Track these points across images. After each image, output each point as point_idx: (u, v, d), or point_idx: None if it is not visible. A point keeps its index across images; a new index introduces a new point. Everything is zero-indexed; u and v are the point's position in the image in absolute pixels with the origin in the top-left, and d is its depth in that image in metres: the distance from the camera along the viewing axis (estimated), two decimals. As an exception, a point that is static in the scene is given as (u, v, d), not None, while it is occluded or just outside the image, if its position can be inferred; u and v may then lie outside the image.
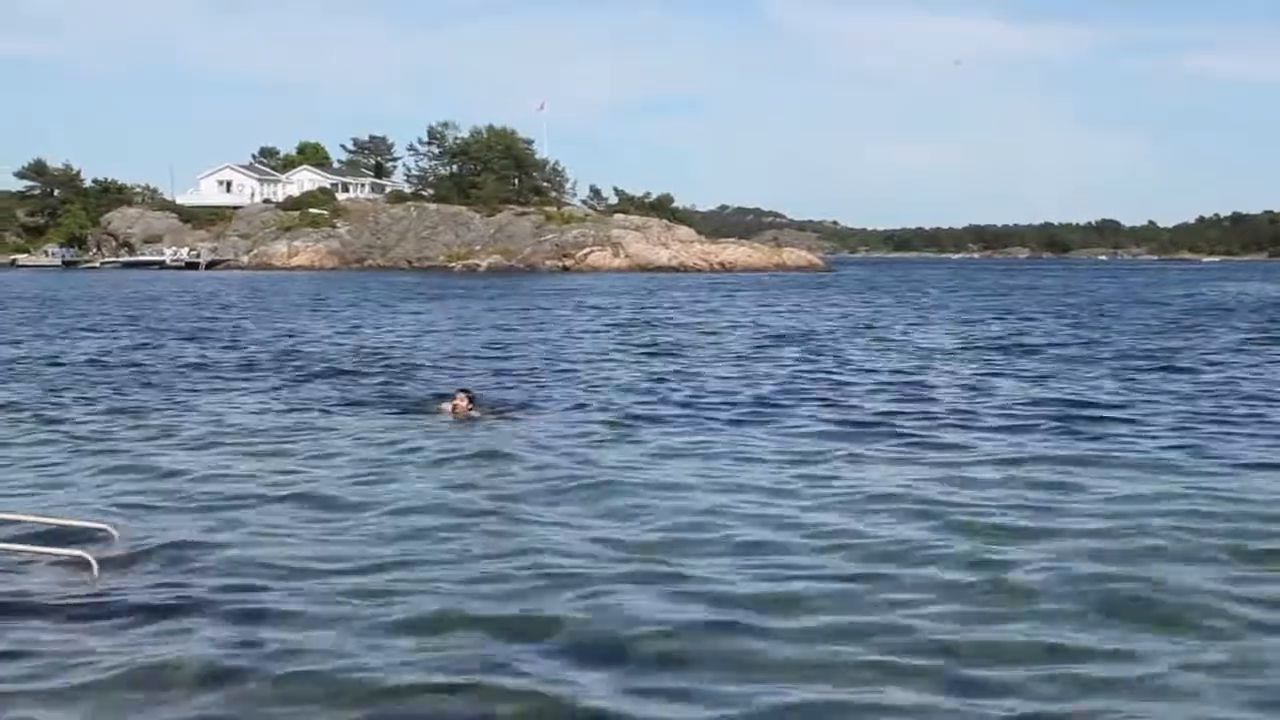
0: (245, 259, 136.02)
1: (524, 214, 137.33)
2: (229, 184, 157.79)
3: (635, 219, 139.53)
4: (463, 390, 20.23)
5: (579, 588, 9.92)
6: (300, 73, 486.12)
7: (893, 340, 38.62)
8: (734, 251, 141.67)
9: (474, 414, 19.33)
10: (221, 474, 14.94)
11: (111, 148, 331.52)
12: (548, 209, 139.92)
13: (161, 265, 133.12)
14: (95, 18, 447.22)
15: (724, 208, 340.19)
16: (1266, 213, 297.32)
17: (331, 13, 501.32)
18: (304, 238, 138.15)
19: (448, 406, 19.71)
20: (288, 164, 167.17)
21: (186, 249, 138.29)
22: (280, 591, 9.97)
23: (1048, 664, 8.34)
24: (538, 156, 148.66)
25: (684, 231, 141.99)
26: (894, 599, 9.75)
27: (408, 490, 13.78)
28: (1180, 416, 20.28)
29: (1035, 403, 22.02)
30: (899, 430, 18.60)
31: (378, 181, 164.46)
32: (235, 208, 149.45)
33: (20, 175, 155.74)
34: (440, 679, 8.04)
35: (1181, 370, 28.30)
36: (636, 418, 19.92)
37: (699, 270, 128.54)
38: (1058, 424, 19.24)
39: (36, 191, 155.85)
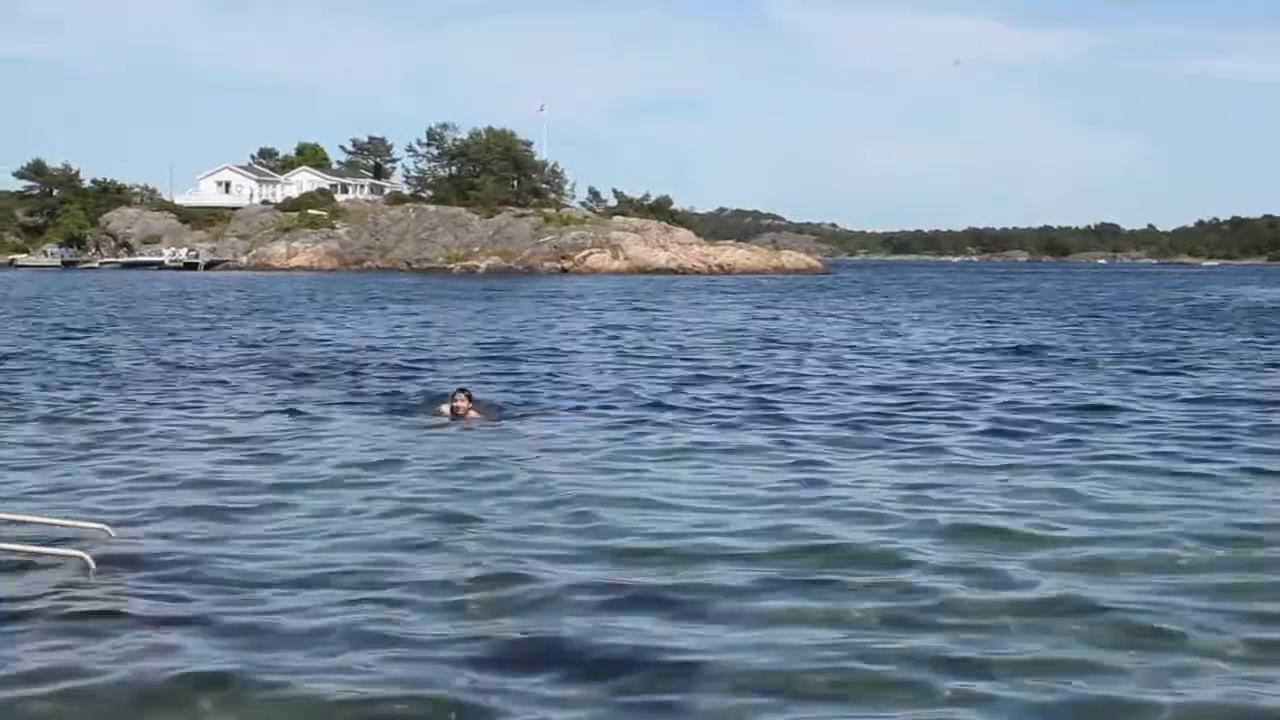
0: (244, 260, 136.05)
1: (523, 216, 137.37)
2: (228, 185, 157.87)
3: (634, 221, 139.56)
4: (461, 390, 20.19)
5: (576, 597, 9.85)
6: (299, 73, 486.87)
7: (892, 343, 38.60)
8: (732, 254, 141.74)
9: (473, 414, 19.31)
10: (218, 476, 14.90)
11: (110, 148, 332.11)
12: (546, 211, 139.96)
13: (160, 266, 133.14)
14: (94, 18, 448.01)
15: (723, 210, 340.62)
16: (1266, 216, 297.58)
17: (330, 13, 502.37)
18: (303, 239, 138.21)
19: (446, 407, 19.66)
20: (287, 165, 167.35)
21: (185, 250, 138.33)
22: (276, 595, 9.95)
23: (1045, 678, 8.30)
24: (537, 158, 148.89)
25: (682, 234, 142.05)
26: (887, 607, 9.72)
27: (406, 494, 13.67)
28: (1180, 422, 20.29)
29: (1031, 407, 22.01)
30: (898, 433, 18.59)
31: (376, 183, 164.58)
32: (234, 208, 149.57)
33: (19, 175, 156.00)
34: (436, 692, 8.01)
35: (1179, 374, 28.30)
36: (636, 420, 19.89)
37: (698, 272, 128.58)
38: (1053, 427, 19.23)
39: (35, 191, 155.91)
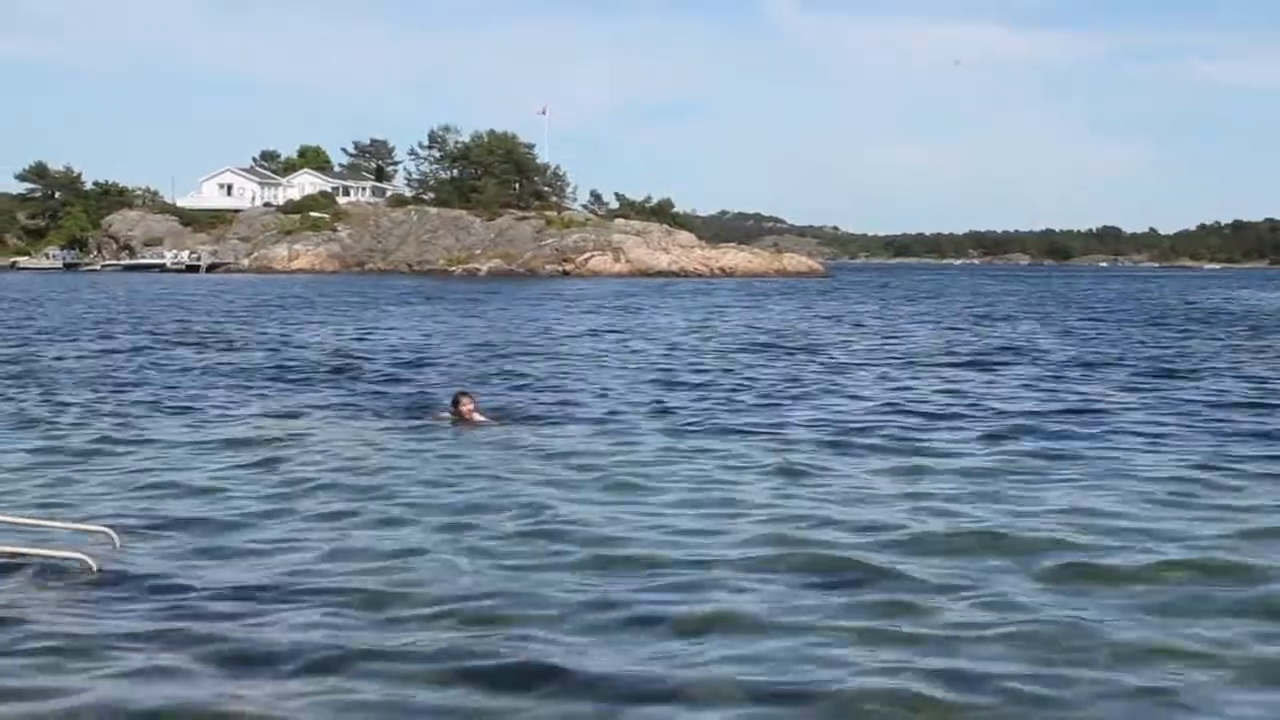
0: (245, 262, 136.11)
1: (524, 218, 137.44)
2: (230, 187, 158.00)
3: (635, 224, 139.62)
4: (465, 394, 20.13)
5: (576, 607, 9.80)
6: (301, 76, 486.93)
7: (891, 345, 38.59)
8: (734, 257, 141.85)
9: (477, 417, 19.26)
10: (222, 479, 14.88)
11: (112, 150, 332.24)
12: (548, 213, 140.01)
13: (162, 268, 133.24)
14: (95, 20, 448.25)
15: (724, 213, 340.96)
16: (1268, 220, 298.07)
17: (332, 16, 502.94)
18: (304, 241, 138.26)
19: (448, 412, 19.59)
20: (288, 167, 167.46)
21: (187, 252, 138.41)
22: (280, 597, 9.92)
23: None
24: (538, 161, 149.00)
25: (684, 236, 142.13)
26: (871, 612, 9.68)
27: (410, 501, 13.55)
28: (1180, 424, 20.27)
29: (1027, 410, 21.98)
30: (895, 438, 18.54)
31: (378, 185, 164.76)
32: (236, 211, 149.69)
33: (21, 178, 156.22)
34: (431, 696, 8.01)
35: (1178, 377, 28.28)
36: (636, 424, 19.85)
37: (699, 275, 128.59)
38: (1049, 430, 19.19)
39: (37, 194, 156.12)
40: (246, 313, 55.92)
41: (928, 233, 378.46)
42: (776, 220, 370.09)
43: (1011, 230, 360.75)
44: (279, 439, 18.06)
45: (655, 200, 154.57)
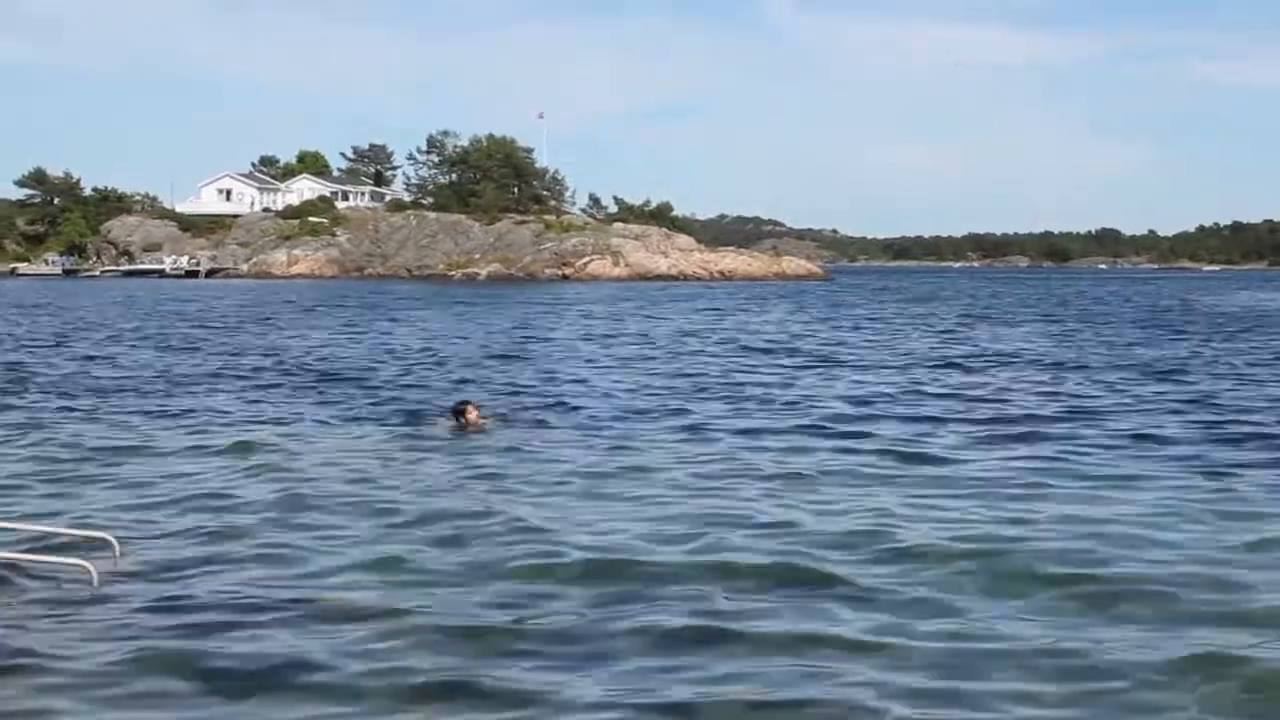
0: (245, 267, 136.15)
1: (523, 222, 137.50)
2: (229, 192, 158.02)
3: (634, 227, 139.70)
4: (469, 403, 20.02)
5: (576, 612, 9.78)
6: (300, 81, 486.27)
7: (888, 348, 38.59)
8: (733, 260, 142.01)
9: (479, 424, 19.20)
10: (223, 486, 14.87)
11: (111, 155, 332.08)
12: (547, 217, 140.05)
13: (161, 274, 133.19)
14: (94, 25, 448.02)
15: (723, 216, 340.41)
16: (1266, 221, 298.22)
17: (331, 22, 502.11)
18: (303, 246, 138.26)
19: (451, 418, 19.45)
20: (287, 172, 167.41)
21: (186, 257, 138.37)
22: (280, 604, 9.90)
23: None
24: (537, 165, 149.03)
25: (683, 240, 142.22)
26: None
27: (411, 509, 13.44)
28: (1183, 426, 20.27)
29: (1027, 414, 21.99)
30: (889, 441, 18.55)
31: (377, 190, 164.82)
32: (235, 216, 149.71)
33: (20, 184, 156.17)
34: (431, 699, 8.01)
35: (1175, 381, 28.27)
36: (639, 427, 19.83)
37: (698, 279, 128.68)
38: (1046, 434, 19.15)
39: (36, 200, 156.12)
40: (246, 318, 55.90)
41: (927, 235, 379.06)
42: (775, 223, 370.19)
43: (1010, 232, 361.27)
44: (281, 446, 17.98)
45: (654, 204, 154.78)
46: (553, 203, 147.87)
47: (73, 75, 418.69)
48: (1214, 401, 23.74)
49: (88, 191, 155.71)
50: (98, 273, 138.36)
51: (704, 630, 9.14)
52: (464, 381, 27.48)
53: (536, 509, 13.34)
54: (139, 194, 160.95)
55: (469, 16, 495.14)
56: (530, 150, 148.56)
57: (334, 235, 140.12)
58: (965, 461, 16.64)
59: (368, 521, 12.79)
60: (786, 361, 33.55)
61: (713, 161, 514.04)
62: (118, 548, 11.33)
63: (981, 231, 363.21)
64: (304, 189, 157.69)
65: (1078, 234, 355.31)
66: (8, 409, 22.10)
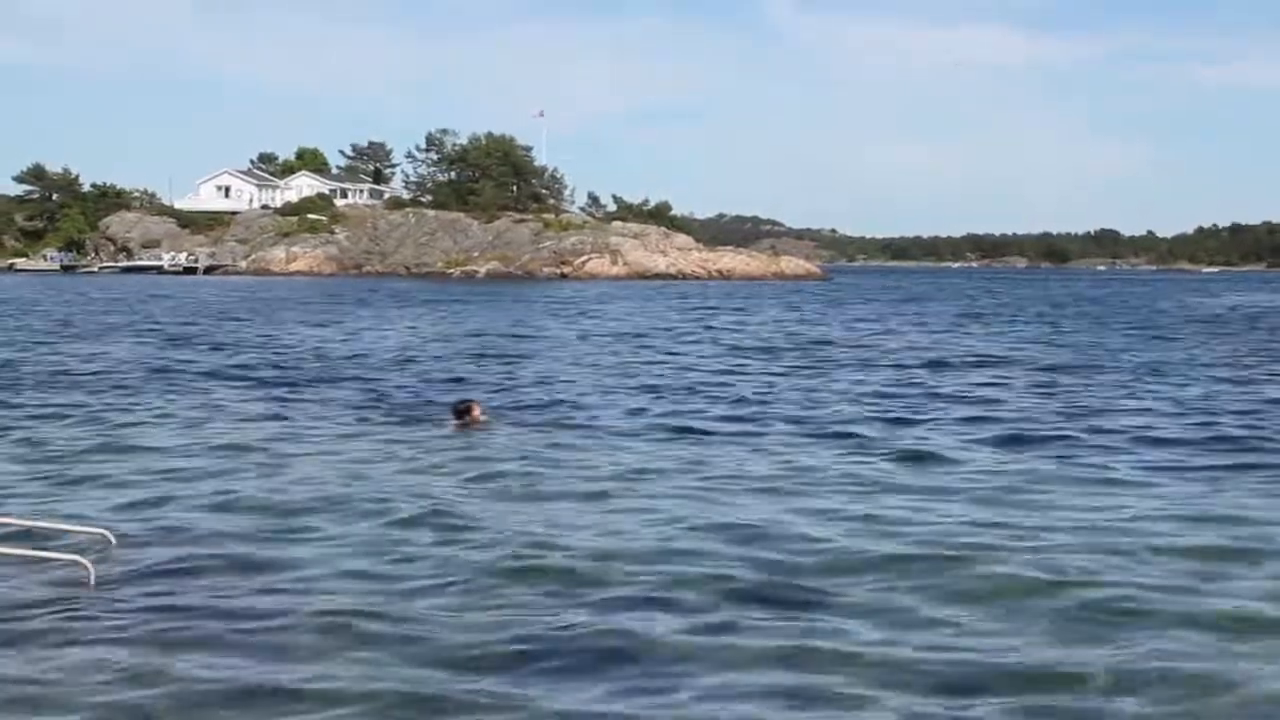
0: (243, 264, 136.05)
1: (522, 221, 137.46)
2: (227, 189, 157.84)
3: (633, 226, 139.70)
4: (472, 401, 19.97)
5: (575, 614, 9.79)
6: (299, 78, 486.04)
7: (884, 351, 38.62)
8: (732, 259, 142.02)
9: (480, 422, 19.15)
10: (221, 482, 14.88)
11: (110, 152, 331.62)
12: (546, 216, 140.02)
13: (159, 270, 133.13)
14: (93, 22, 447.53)
15: (722, 215, 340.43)
16: (1265, 223, 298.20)
17: (330, 20, 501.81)
18: (302, 243, 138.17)
19: (453, 417, 19.42)
20: (286, 170, 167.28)
21: (184, 254, 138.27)
22: (277, 600, 9.95)
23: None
24: (536, 163, 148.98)
25: (682, 239, 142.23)
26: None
27: (411, 506, 13.43)
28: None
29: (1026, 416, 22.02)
30: (882, 442, 18.60)
31: (376, 188, 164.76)
32: (233, 213, 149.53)
33: (19, 179, 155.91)
34: (428, 690, 8.05)
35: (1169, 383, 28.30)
36: (639, 428, 19.84)
37: (697, 278, 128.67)
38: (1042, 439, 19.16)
39: (35, 196, 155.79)
40: (244, 315, 55.88)
41: (925, 235, 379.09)
42: (774, 223, 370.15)
43: (1009, 233, 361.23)
44: (279, 444, 17.99)
45: (653, 203, 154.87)
46: (551, 201, 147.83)
47: (72, 73, 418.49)
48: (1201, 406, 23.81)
49: (86, 187, 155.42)
50: (96, 269, 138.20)
51: (693, 643, 9.02)
52: (458, 380, 27.51)
53: (535, 513, 13.27)
54: (138, 190, 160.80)
55: (469, 16, 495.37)
56: (529, 149, 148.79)
57: (333, 233, 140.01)
58: (938, 462, 16.71)
59: (366, 522, 12.72)
60: (778, 362, 33.58)
61: (712, 161, 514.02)
62: (114, 542, 11.38)
63: (980, 232, 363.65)
64: (303, 186, 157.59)
65: (1076, 235, 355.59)
66: (3, 405, 22.13)
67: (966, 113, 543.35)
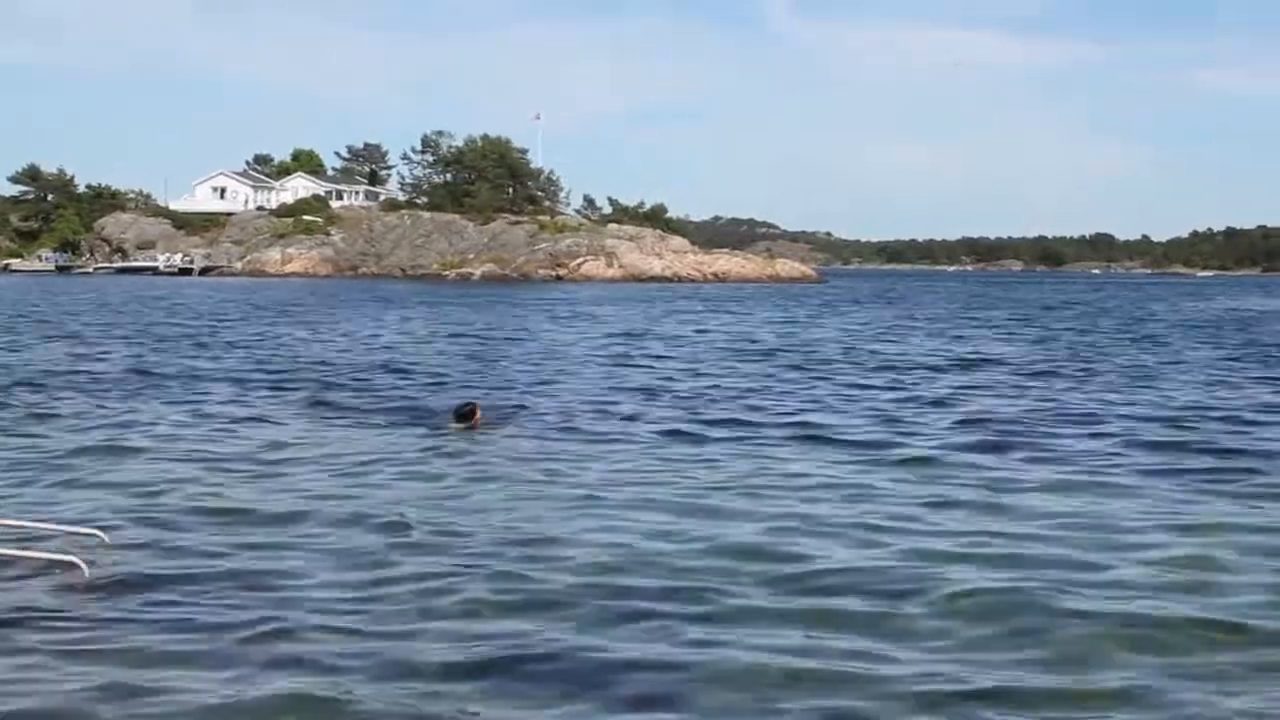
0: (238, 265, 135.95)
1: (518, 223, 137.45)
2: (223, 190, 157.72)
3: (629, 229, 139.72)
4: (474, 404, 19.90)
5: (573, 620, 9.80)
6: (295, 80, 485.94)
7: (878, 354, 38.67)
8: (727, 262, 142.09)
9: (480, 425, 19.06)
10: (215, 485, 14.89)
11: (105, 152, 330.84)
12: (541, 218, 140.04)
13: (155, 271, 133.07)
14: (90, 23, 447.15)
15: (717, 218, 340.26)
16: (1260, 227, 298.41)
17: (327, 20, 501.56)
18: (297, 245, 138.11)
19: (455, 421, 19.28)
20: (282, 171, 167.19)
21: (180, 255, 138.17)
22: (271, 600, 9.97)
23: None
24: (532, 165, 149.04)
25: (677, 242, 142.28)
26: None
27: (410, 510, 13.40)
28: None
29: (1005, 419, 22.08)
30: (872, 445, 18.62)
31: (372, 189, 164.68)
32: (229, 214, 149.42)
33: (14, 180, 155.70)
34: (425, 686, 8.07)
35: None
36: (636, 434, 19.73)
37: (692, 280, 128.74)
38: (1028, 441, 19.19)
39: (30, 196, 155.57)
40: (240, 316, 55.86)
41: (921, 239, 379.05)
42: (770, 226, 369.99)
43: (1004, 236, 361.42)
44: (278, 443, 18.01)
45: (649, 205, 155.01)
46: (547, 203, 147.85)
47: (67, 74, 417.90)
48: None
49: (82, 188, 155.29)
50: (91, 270, 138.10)
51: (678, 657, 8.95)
52: (457, 383, 27.52)
53: (532, 521, 13.19)
54: (133, 191, 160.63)
55: (467, 17, 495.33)
56: (525, 151, 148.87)
57: (328, 234, 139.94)
58: (926, 466, 16.77)
59: (362, 525, 12.66)
60: (771, 364, 33.63)
61: (708, 163, 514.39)
62: (108, 541, 11.40)
63: (975, 235, 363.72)
64: (298, 187, 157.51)
65: (1071, 238, 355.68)
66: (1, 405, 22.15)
67: (962, 116, 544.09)
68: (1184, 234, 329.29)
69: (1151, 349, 41.02)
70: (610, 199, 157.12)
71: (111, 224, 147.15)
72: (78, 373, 28.56)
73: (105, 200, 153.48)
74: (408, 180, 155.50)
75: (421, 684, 8.19)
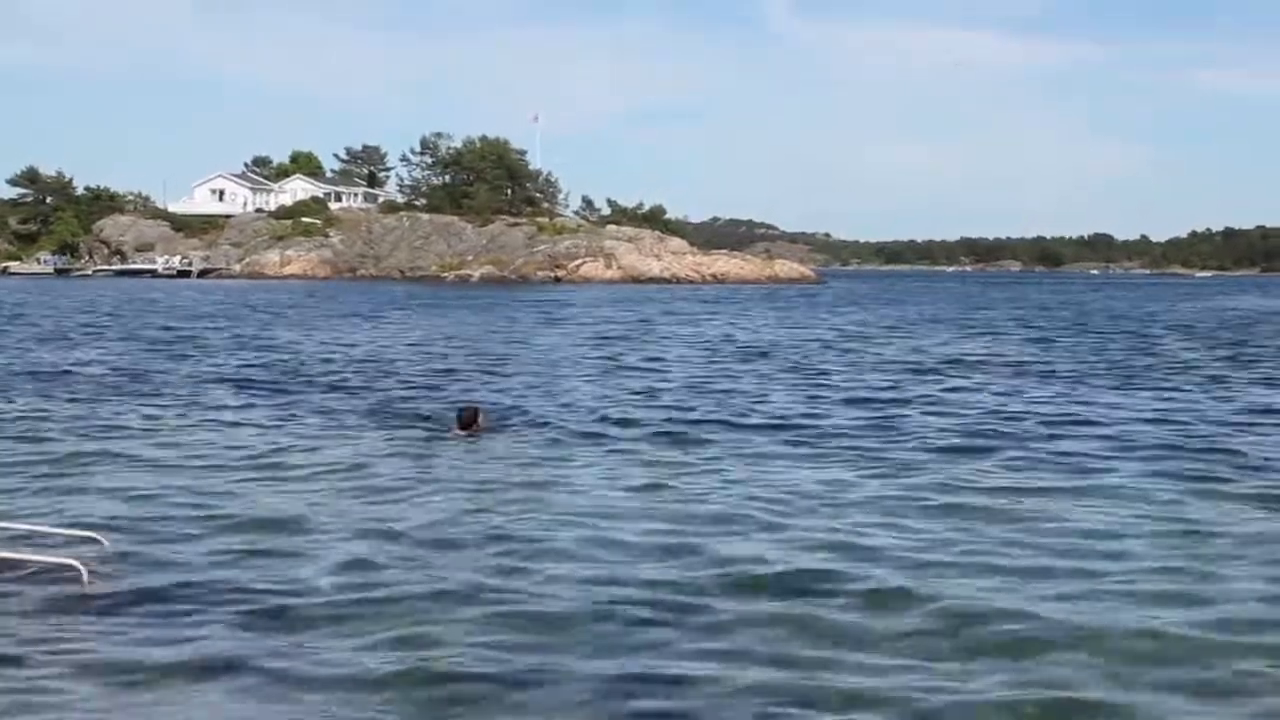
0: (237, 268, 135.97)
1: (516, 224, 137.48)
2: (221, 192, 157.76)
3: (627, 230, 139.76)
4: (475, 407, 19.85)
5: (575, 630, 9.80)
6: (295, 82, 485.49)
7: (872, 354, 38.70)
8: (726, 263, 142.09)
9: (480, 429, 19.00)
10: (214, 488, 14.90)
11: (103, 154, 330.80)
12: (540, 220, 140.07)
13: (154, 274, 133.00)
14: (89, 26, 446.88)
15: (716, 219, 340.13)
16: (1259, 227, 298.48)
17: (326, 22, 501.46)
18: (296, 247, 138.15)
19: (456, 425, 19.18)
20: (280, 173, 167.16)
21: (178, 257, 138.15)
22: (269, 606, 9.99)
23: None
24: (530, 167, 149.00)
25: (676, 243, 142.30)
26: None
27: (410, 513, 13.45)
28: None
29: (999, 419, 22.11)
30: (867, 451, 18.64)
31: (370, 191, 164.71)
32: (227, 216, 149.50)
33: (13, 182, 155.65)
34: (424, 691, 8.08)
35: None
36: (640, 438, 19.65)
37: (691, 282, 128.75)
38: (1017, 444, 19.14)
39: (29, 199, 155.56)
40: (239, 319, 55.86)
41: (920, 239, 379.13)
42: (768, 227, 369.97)
43: (1003, 237, 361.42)
44: (278, 447, 18.01)
45: (647, 206, 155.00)
46: (546, 205, 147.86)
47: (66, 76, 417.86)
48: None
49: (80, 191, 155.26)
50: (90, 272, 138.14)
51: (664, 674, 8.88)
52: (454, 385, 27.53)
53: (534, 526, 13.18)
54: (131, 193, 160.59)
55: (466, 18, 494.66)
56: (523, 152, 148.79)
57: (327, 236, 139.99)
58: (910, 472, 16.79)
59: (362, 532, 12.63)
60: (767, 366, 33.65)
61: (707, 164, 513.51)
62: (107, 545, 11.42)
63: (974, 236, 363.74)
64: (297, 189, 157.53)
65: (1070, 239, 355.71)
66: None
67: (962, 116, 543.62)
68: (1183, 234, 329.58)
69: (1143, 350, 41.08)
70: (609, 200, 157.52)
71: (110, 226, 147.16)
72: (75, 374, 28.58)
73: (104, 202, 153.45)
74: (406, 182, 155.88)
75: (419, 692, 8.20)
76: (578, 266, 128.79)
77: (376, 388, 26.56)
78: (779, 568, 11.14)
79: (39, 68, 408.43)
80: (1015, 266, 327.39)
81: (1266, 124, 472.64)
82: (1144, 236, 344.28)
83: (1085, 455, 17.73)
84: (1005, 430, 20.25)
